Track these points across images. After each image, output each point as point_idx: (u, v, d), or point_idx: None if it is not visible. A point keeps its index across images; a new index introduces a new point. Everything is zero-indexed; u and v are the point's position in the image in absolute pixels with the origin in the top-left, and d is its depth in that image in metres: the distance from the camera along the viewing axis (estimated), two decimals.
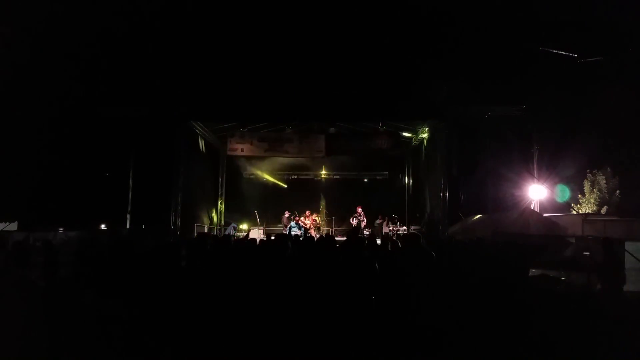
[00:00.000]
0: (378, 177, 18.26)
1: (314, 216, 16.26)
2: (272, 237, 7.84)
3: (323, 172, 18.34)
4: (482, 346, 3.77)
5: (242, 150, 15.69)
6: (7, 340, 2.65)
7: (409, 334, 3.69)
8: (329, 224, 16.95)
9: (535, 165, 13.47)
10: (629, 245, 8.39)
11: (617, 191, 23.04)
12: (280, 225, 16.39)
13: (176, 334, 3.12)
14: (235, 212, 18.03)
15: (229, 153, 16.24)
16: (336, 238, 10.74)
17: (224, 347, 3.25)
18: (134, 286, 3.32)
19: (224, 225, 17.33)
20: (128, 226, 13.43)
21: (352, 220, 15.69)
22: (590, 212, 21.67)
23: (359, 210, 16.03)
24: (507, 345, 3.84)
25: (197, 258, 4.07)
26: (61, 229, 11.46)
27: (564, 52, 12.35)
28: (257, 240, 6.27)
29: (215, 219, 17.07)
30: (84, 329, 2.76)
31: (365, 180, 18.38)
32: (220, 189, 17.93)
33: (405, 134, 16.08)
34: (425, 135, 14.97)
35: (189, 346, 3.14)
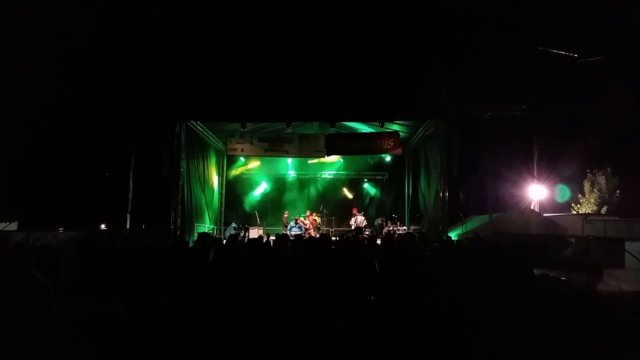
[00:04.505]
0: (378, 177, 18.25)
1: (314, 216, 16.25)
2: (272, 237, 7.85)
3: (323, 172, 18.33)
4: (483, 345, 3.77)
5: (242, 150, 15.67)
6: (9, 339, 2.65)
7: (408, 332, 3.69)
8: (329, 224, 16.94)
9: (535, 165, 13.47)
10: (629, 245, 8.39)
11: (617, 191, 23.06)
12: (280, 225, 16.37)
13: (177, 333, 3.12)
14: (235, 212, 18.03)
15: (229, 153, 16.23)
16: (334, 238, 10.74)
17: (225, 346, 3.25)
18: (136, 286, 3.33)
19: (224, 225, 17.31)
20: (128, 226, 13.41)
21: (352, 222, 15.69)
22: (590, 212, 21.68)
23: (354, 211, 16.02)
24: (508, 343, 3.84)
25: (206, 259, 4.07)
26: (61, 229, 11.45)
27: (564, 52, 12.35)
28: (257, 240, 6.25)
29: (215, 219, 17.06)
30: (85, 328, 2.77)
31: (365, 180, 18.37)
32: (220, 189, 17.93)
33: (405, 134, 16.07)
34: (425, 135, 14.97)
35: (191, 345, 3.14)
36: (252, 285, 3.70)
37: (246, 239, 11.45)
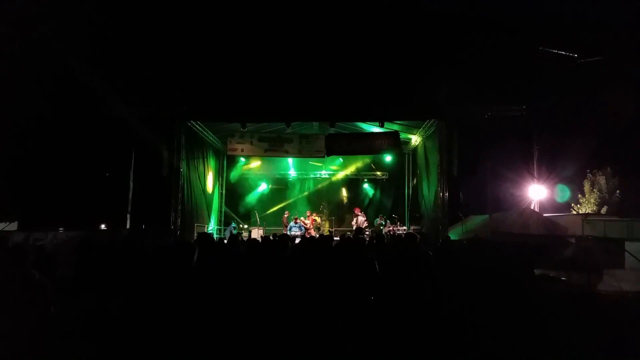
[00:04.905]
0: (378, 177, 18.25)
1: (314, 216, 16.24)
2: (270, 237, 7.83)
3: (323, 172, 18.33)
4: (483, 344, 3.76)
5: (242, 150, 15.64)
6: (9, 339, 2.65)
7: (409, 332, 3.69)
8: (329, 224, 16.94)
9: (535, 165, 13.47)
10: (629, 245, 8.39)
11: (617, 191, 23.10)
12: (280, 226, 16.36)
13: (178, 334, 3.12)
14: (236, 212, 18.02)
15: (228, 153, 16.21)
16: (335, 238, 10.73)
17: (226, 346, 3.25)
18: (137, 286, 3.32)
19: (224, 225, 17.31)
20: (128, 226, 13.41)
21: (353, 222, 15.70)
22: (590, 212, 21.71)
23: (356, 211, 16.03)
24: (508, 343, 3.84)
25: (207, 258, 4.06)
26: (61, 229, 11.46)
27: (564, 52, 12.34)
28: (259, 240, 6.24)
29: (215, 219, 17.06)
30: (85, 328, 2.76)
31: (365, 180, 18.37)
32: (220, 189, 17.93)
33: (406, 134, 16.07)
34: (425, 135, 14.97)
35: (193, 346, 3.14)
36: (249, 286, 3.69)
37: (246, 239, 11.44)
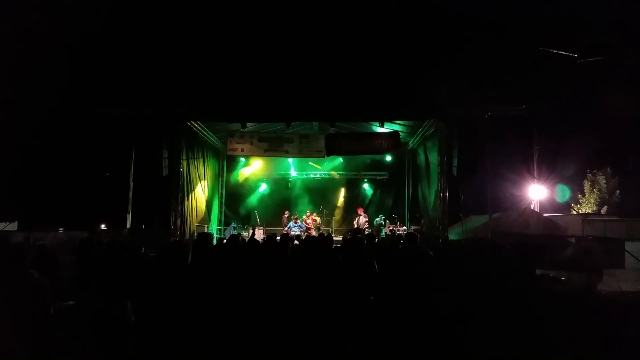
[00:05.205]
0: (378, 177, 18.24)
1: (314, 216, 16.24)
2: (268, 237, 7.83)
3: (323, 172, 18.32)
4: (483, 345, 3.76)
5: (242, 150, 15.65)
6: (10, 338, 2.65)
7: (408, 332, 3.69)
8: (329, 224, 16.93)
9: (535, 165, 13.48)
10: (629, 245, 8.39)
11: (617, 191, 23.10)
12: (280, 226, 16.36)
13: (180, 334, 3.12)
14: (236, 212, 18.01)
15: (229, 153, 16.22)
16: (335, 238, 10.73)
17: (225, 346, 3.25)
18: (140, 288, 3.32)
19: (224, 225, 17.31)
20: (128, 226, 13.41)
21: (355, 222, 15.71)
22: (590, 212, 21.73)
23: (359, 211, 16.04)
24: (508, 343, 3.84)
25: (205, 258, 4.05)
26: (61, 229, 11.47)
27: (564, 52, 12.34)
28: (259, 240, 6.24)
29: (215, 219, 17.06)
30: (86, 329, 2.76)
31: (365, 180, 18.36)
32: (220, 189, 17.92)
33: (405, 134, 16.07)
34: (425, 135, 14.96)
35: (192, 346, 3.14)
36: (248, 285, 3.69)
37: (247, 239, 11.44)
